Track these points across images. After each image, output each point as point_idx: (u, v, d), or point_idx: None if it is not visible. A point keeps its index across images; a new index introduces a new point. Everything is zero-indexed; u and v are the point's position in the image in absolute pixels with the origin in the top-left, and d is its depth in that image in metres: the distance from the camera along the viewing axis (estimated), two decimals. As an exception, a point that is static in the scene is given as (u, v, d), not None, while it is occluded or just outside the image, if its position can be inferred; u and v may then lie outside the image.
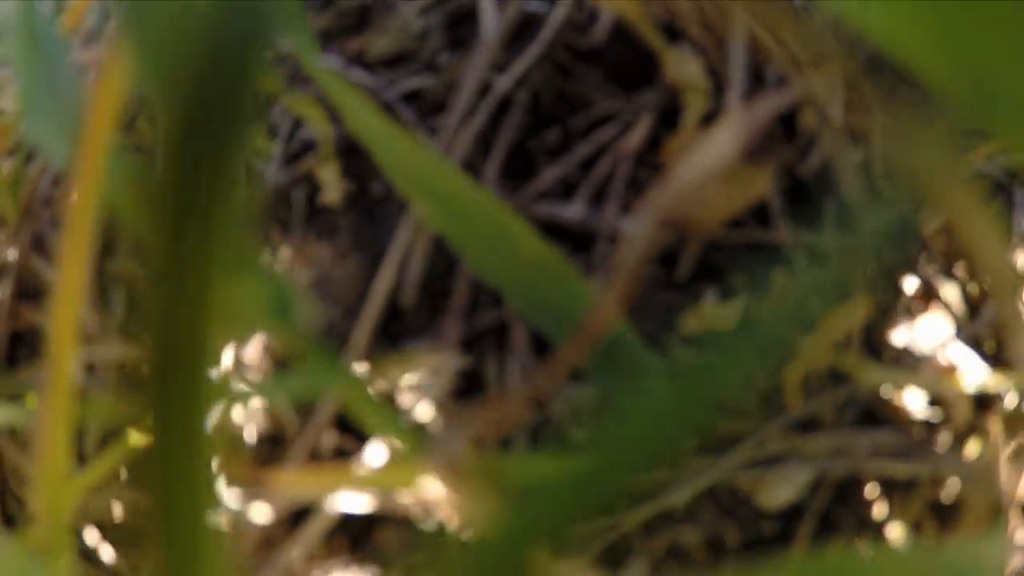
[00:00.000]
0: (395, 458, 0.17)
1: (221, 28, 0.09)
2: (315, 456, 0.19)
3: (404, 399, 0.19)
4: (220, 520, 0.10)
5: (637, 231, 0.15)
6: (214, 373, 0.10)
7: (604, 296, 0.15)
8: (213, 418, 0.10)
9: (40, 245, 0.23)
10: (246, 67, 0.09)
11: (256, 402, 0.19)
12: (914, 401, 0.21)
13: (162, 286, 0.10)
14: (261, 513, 0.19)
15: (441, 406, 0.19)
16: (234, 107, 0.09)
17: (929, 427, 0.21)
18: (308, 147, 0.21)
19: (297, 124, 0.21)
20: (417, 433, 0.18)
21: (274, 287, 0.14)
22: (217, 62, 0.09)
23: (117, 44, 0.15)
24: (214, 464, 0.10)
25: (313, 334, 0.19)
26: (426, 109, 0.21)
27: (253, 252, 0.15)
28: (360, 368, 0.19)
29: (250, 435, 0.20)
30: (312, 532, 0.19)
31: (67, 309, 0.17)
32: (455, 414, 0.18)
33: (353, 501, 0.18)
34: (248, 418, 0.19)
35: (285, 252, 0.20)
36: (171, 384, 0.10)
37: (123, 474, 0.22)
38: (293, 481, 0.18)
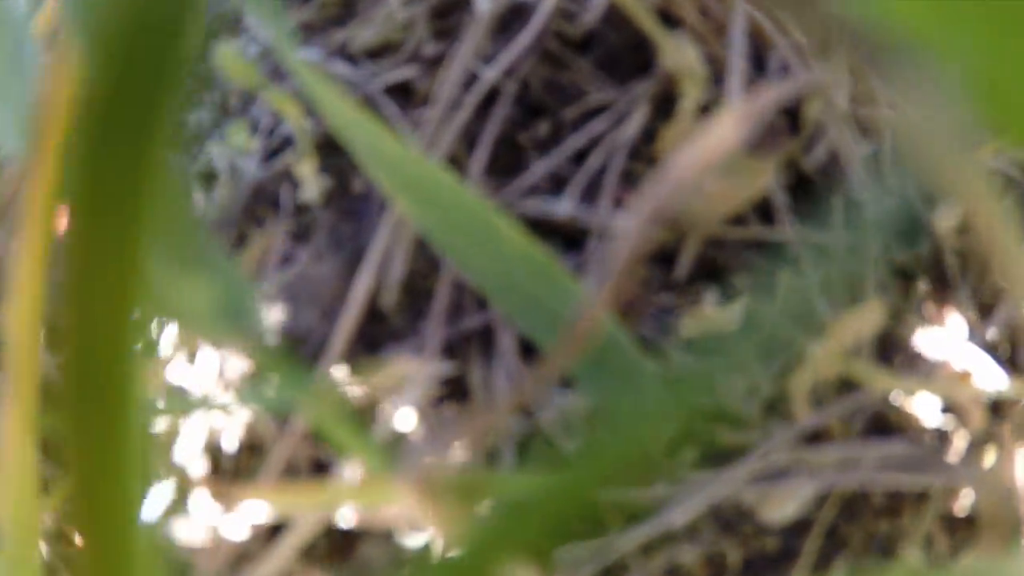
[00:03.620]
0: (372, 473, 0.16)
1: (145, 8, 0.08)
2: (292, 467, 0.17)
3: (384, 408, 0.17)
4: (151, 528, 0.09)
5: (630, 227, 0.13)
6: (143, 378, 0.09)
7: (594, 296, 0.13)
8: (149, 422, 0.09)
9: (11, 252, 0.21)
10: (172, 44, 0.08)
11: (233, 411, 0.17)
12: (926, 408, 0.19)
13: (81, 280, 0.08)
14: (237, 528, 0.17)
15: (423, 415, 0.17)
16: (160, 86, 0.08)
17: (941, 435, 0.19)
18: (290, 142, 0.20)
19: (279, 119, 0.20)
20: (391, 449, 0.16)
21: (232, 289, 0.13)
22: (141, 39, 0.08)
23: (69, 37, 0.14)
24: (149, 470, 0.09)
25: (277, 342, 0.17)
26: (410, 101, 0.19)
27: (206, 251, 0.13)
28: (337, 375, 0.17)
29: (228, 444, 0.18)
30: (288, 547, 0.17)
31: (27, 310, 0.15)
32: (436, 425, 0.17)
33: (331, 516, 0.17)
34: (225, 427, 0.18)
35: (260, 250, 0.18)
36: (88, 386, 0.09)
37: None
38: (268, 497, 0.16)
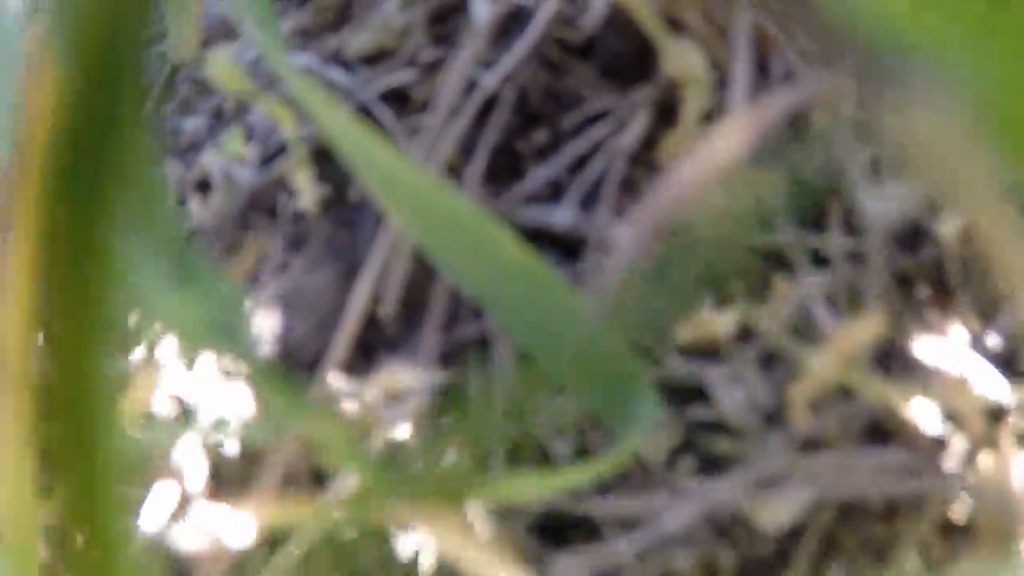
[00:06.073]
0: (368, 484, 0.16)
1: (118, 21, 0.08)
2: (291, 475, 0.17)
3: (380, 418, 0.17)
4: (146, 535, 0.10)
5: (630, 235, 0.13)
6: (123, 381, 0.09)
7: (592, 305, 0.13)
8: (138, 430, 0.09)
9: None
10: (133, 56, 0.08)
11: (230, 427, 0.17)
12: (925, 416, 0.19)
13: (59, 281, 0.09)
14: (237, 536, 0.17)
15: (419, 425, 0.17)
16: (135, 96, 0.08)
17: (939, 442, 0.19)
18: (286, 149, 0.19)
19: (275, 125, 0.19)
20: (387, 459, 0.16)
21: (223, 302, 0.13)
22: (115, 48, 0.08)
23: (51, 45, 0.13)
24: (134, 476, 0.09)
25: (269, 353, 0.17)
26: (406, 108, 0.19)
27: (197, 264, 0.13)
28: (333, 385, 0.17)
29: (228, 450, 0.18)
30: (287, 556, 0.17)
31: (19, 313, 0.15)
32: (431, 434, 0.16)
33: (330, 525, 0.17)
34: (224, 435, 0.18)
35: (252, 258, 0.18)
36: (68, 390, 0.09)
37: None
38: (266, 510, 0.16)
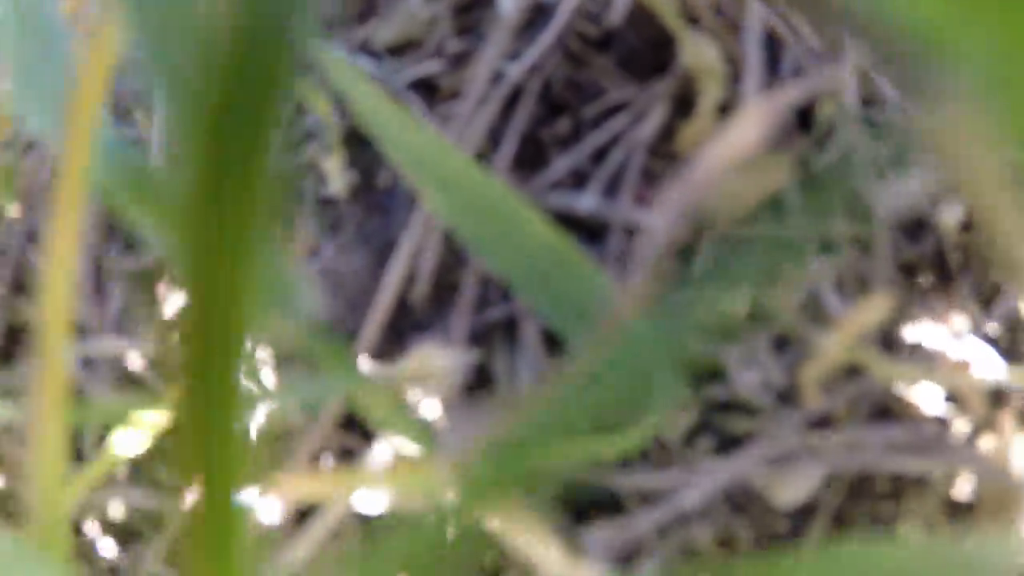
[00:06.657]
0: (403, 458, 0.16)
1: (254, 12, 0.08)
2: (321, 454, 0.18)
3: (412, 397, 0.17)
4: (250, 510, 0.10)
5: (658, 223, 0.14)
6: (247, 364, 0.09)
7: (622, 293, 0.14)
8: (252, 413, 0.10)
9: (38, 237, 0.21)
10: (283, 46, 0.08)
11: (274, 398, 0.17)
12: (928, 397, 0.20)
13: (199, 272, 0.09)
14: (269, 512, 0.18)
15: (449, 404, 0.17)
16: (270, 88, 0.09)
17: (943, 423, 0.20)
18: (311, 136, 0.20)
19: (299, 112, 0.20)
20: (427, 432, 0.16)
21: (280, 278, 0.13)
22: (254, 42, 0.08)
23: (107, 23, 0.14)
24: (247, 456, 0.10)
25: (320, 328, 0.17)
26: (434, 98, 0.19)
27: (268, 240, 0.13)
28: (368, 365, 0.18)
29: (257, 430, 0.18)
30: (319, 531, 0.17)
31: (57, 299, 0.15)
32: (461, 414, 0.17)
33: (363, 501, 0.17)
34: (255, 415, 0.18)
35: (289, 245, 0.18)
36: (207, 374, 0.09)
37: (122, 472, 0.21)
38: (299, 483, 0.16)
